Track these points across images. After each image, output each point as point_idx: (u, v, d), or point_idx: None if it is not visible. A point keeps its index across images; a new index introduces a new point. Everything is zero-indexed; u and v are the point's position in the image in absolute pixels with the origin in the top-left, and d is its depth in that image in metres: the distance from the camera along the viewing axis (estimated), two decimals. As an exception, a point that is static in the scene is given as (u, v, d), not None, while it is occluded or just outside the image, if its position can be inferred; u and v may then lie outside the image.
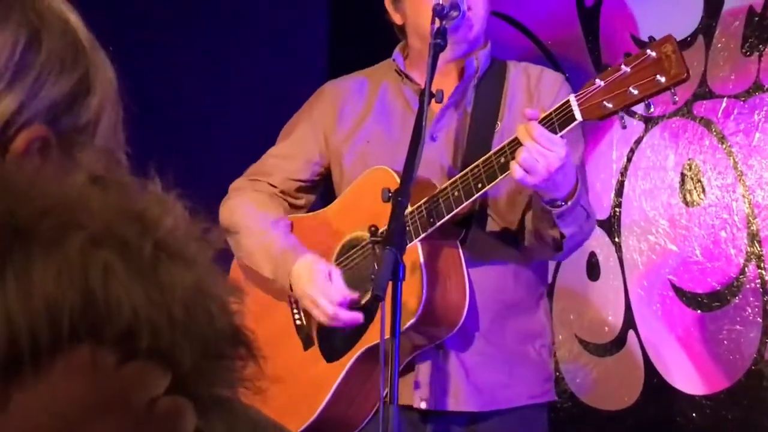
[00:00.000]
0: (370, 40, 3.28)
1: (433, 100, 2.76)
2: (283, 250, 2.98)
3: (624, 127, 2.64)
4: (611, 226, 3.77)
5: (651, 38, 2.63)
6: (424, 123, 2.68)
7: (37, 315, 0.70)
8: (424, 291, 2.77)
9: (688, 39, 3.64)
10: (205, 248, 0.78)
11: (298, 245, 3.01)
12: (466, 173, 2.75)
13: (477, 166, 2.73)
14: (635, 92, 2.55)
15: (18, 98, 0.94)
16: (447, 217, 2.77)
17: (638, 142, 3.74)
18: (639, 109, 2.77)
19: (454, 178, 2.79)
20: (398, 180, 2.78)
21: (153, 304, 0.72)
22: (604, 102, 2.58)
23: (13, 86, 0.95)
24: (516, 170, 2.60)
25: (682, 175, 3.66)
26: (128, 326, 0.72)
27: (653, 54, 2.55)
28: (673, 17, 3.66)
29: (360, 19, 4.05)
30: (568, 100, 2.62)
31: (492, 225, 2.92)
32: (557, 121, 2.63)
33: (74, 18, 1.01)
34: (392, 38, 3.09)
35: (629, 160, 3.76)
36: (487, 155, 2.73)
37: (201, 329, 0.75)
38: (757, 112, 3.54)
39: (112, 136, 1.02)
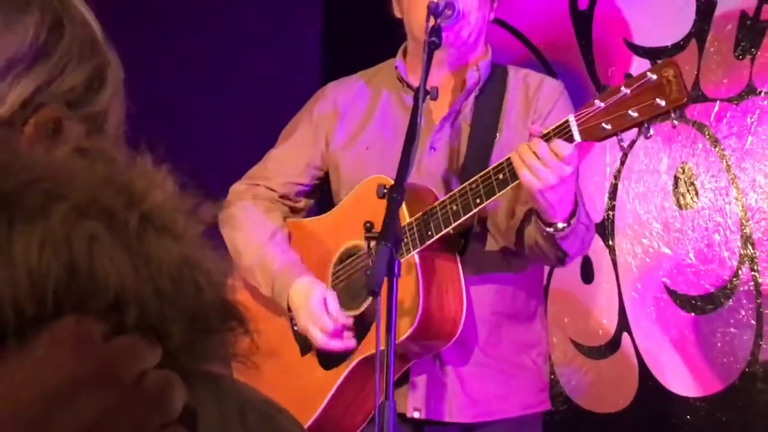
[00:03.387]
0: (363, 38, 3.27)
1: (428, 98, 2.76)
2: (281, 269, 2.99)
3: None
4: (605, 229, 3.78)
5: (654, 61, 2.61)
6: (418, 120, 2.68)
7: (20, 286, 0.69)
8: (420, 303, 2.78)
9: (681, 43, 3.65)
10: (194, 222, 0.77)
11: (295, 263, 3.01)
12: (465, 188, 2.75)
13: (476, 181, 2.73)
14: (634, 115, 2.55)
15: (35, 81, 0.95)
16: (444, 231, 2.77)
17: (631, 145, 3.74)
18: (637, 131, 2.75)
19: (452, 192, 2.78)
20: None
21: (139, 276, 0.71)
22: (603, 124, 2.58)
23: (32, 69, 0.96)
24: (524, 175, 2.60)
25: (676, 178, 3.67)
26: (115, 298, 0.71)
27: (654, 77, 2.53)
28: (666, 21, 3.67)
29: (354, 17, 4.05)
30: (567, 120, 2.61)
31: (491, 238, 2.92)
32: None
33: (90, 13, 1.03)
34: (386, 37, 3.08)
35: (622, 163, 3.76)
36: (486, 171, 2.72)
37: (189, 302, 0.74)
38: (749, 115, 3.55)
39: (117, 131, 1.03)
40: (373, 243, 2.74)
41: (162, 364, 0.73)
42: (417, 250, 2.79)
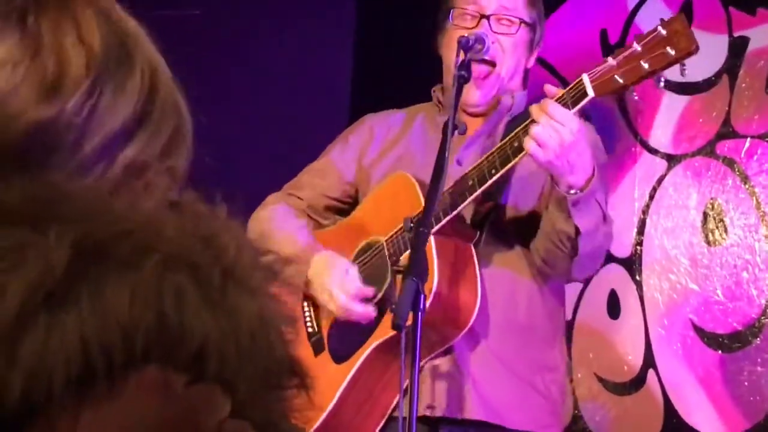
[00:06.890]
0: (393, 77, 3.28)
1: (456, 132, 2.78)
2: (302, 248, 3.01)
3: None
4: (632, 264, 3.75)
5: (662, 20, 2.69)
6: (446, 154, 2.70)
7: (111, 335, 0.71)
8: (434, 283, 2.77)
9: (713, 78, 3.64)
10: (267, 277, 0.79)
11: (315, 243, 3.04)
12: (482, 161, 2.79)
13: (492, 153, 2.77)
14: (646, 66, 2.62)
15: (141, 144, 0.94)
16: (462, 206, 2.79)
17: (660, 180, 3.72)
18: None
19: (469, 169, 2.81)
20: (419, 191, 2.85)
21: (222, 330, 0.74)
22: (616, 77, 2.65)
23: (137, 132, 0.94)
24: (529, 144, 2.64)
25: (705, 214, 3.65)
26: (198, 350, 0.73)
27: (663, 32, 2.63)
28: (697, 56, 3.63)
29: (384, 57, 4.05)
30: (581, 78, 2.68)
31: (506, 235, 2.93)
32: (570, 99, 2.67)
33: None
34: (415, 78, 3.12)
35: (651, 198, 3.74)
36: (502, 142, 2.77)
37: (263, 358, 0.76)
38: (781, 152, 3.53)
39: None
40: (405, 234, 2.81)
41: (230, 415, 0.75)
42: (433, 230, 2.77)
